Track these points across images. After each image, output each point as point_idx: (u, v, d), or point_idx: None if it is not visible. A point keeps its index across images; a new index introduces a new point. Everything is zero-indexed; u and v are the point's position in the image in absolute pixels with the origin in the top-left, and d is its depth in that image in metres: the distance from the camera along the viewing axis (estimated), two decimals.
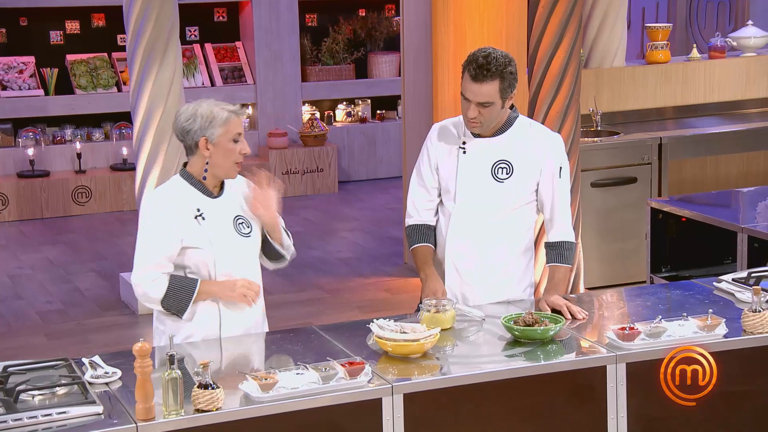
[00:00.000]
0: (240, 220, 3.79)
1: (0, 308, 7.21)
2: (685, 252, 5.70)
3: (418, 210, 4.14)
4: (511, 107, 4.06)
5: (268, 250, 3.91)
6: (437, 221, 4.14)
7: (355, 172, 10.72)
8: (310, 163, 10.22)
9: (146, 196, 3.81)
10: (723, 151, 7.56)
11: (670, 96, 7.89)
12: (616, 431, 3.55)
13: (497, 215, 4.03)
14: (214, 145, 3.67)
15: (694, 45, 8.41)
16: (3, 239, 8.95)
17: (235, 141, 3.70)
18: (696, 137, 7.35)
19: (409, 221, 4.16)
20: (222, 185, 3.80)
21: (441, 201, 4.12)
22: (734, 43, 8.24)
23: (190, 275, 3.73)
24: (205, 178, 3.73)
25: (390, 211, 9.39)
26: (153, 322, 3.93)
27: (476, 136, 4.04)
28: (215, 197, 3.76)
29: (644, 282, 6.16)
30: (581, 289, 6.62)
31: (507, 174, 4.01)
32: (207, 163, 3.70)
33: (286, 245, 3.93)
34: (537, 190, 4.05)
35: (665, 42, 7.93)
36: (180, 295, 3.68)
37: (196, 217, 3.69)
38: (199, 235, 3.69)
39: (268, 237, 3.88)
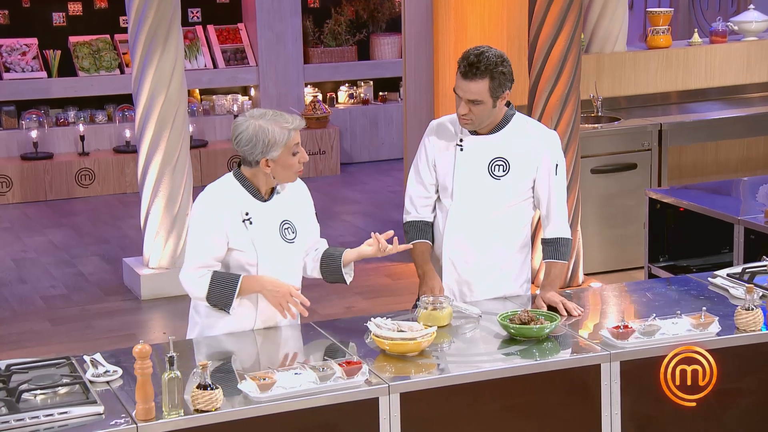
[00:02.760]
0: (286, 225, 3.83)
1: (4, 293, 7.27)
2: (684, 241, 5.74)
3: (415, 206, 4.18)
4: (508, 105, 4.08)
5: (331, 272, 3.99)
6: (435, 218, 4.18)
7: (357, 153, 10.75)
8: (312, 146, 10.24)
9: (200, 195, 3.84)
10: (723, 137, 7.58)
11: (671, 81, 7.90)
12: (610, 429, 3.61)
13: (494, 212, 4.07)
14: (275, 162, 3.72)
15: (696, 29, 8.41)
16: (7, 222, 9.01)
17: (295, 153, 3.75)
18: (696, 123, 7.36)
19: (407, 218, 4.20)
20: (273, 188, 3.84)
21: (439, 197, 4.16)
22: (735, 28, 8.23)
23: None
24: (274, 179, 3.78)
25: (391, 194, 9.43)
26: (190, 311, 3.97)
27: (473, 133, 4.08)
28: (265, 201, 3.80)
29: (642, 267, 6.19)
30: (581, 275, 6.67)
31: (504, 171, 4.04)
32: (273, 178, 3.77)
33: (350, 270, 4.04)
34: (533, 187, 4.09)
35: (666, 27, 7.93)
36: (223, 290, 3.73)
37: (243, 221, 3.74)
38: (245, 239, 3.74)
39: (342, 262, 3.97)
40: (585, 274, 6.77)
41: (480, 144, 4.06)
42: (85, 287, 7.34)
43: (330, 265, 3.98)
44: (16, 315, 6.86)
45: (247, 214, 3.75)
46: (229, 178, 3.81)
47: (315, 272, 4.03)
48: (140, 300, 7.01)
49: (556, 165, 4.06)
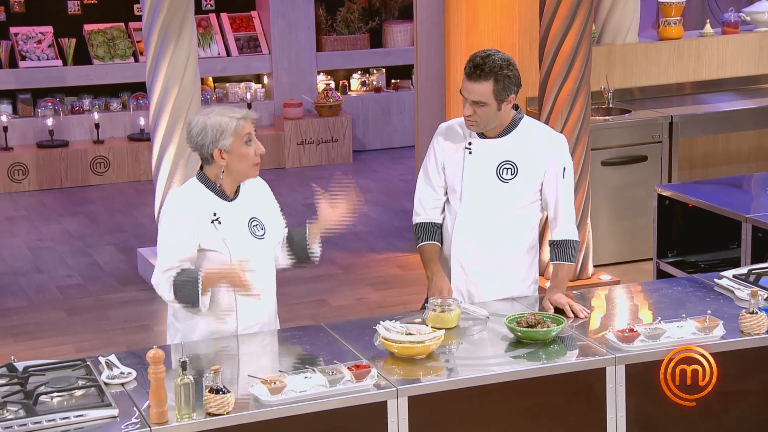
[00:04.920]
0: (254, 223, 3.90)
1: (21, 282, 7.37)
2: (692, 237, 5.78)
3: (425, 208, 4.24)
4: (516, 108, 4.13)
5: (296, 249, 4.02)
6: (444, 219, 4.23)
7: (370, 141, 10.80)
8: (324, 134, 10.30)
9: (166, 200, 3.91)
10: (734, 129, 7.60)
11: (683, 72, 7.91)
12: (615, 431, 3.66)
13: (502, 215, 4.12)
14: (229, 153, 3.77)
15: (708, 20, 8.41)
16: (23, 209, 9.10)
17: (248, 143, 3.80)
18: (707, 115, 7.38)
19: (416, 219, 4.26)
20: (238, 187, 3.90)
21: (447, 199, 4.22)
22: (748, 18, 8.23)
23: None
24: (220, 185, 3.83)
25: (403, 183, 9.47)
26: (168, 318, 4.04)
27: (481, 136, 4.13)
28: (231, 200, 3.87)
29: (651, 259, 6.20)
30: (590, 267, 6.72)
31: (512, 175, 4.10)
32: (223, 172, 3.81)
33: (315, 250, 4.05)
34: (541, 190, 4.14)
35: (678, 18, 7.93)
36: (187, 288, 3.77)
37: (212, 222, 3.80)
38: (216, 239, 3.81)
39: (308, 238, 3.99)
40: (595, 266, 6.82)
41: (488, 147, 4.11)
42: (101, 277, 7.43)
43: (295, 243, 4.02)
44: (32, 304, 6.96)
45: (215, 214, 3.81)
46: (193, 181, 3.87)
47: (285, 260, 4.07)
48: (154, 290, 7.07)
49: (564, 168, 4.11)
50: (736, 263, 5.35)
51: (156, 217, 7.23)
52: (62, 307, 6.90)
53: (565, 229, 4.15)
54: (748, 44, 8.05)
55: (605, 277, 6.71)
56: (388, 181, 9.69)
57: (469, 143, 4.13)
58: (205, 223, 3.80)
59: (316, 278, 7.17)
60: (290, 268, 4.11)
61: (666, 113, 7.26)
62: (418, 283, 6.89)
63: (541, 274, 6.17)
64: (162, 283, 3.83)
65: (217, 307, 3.87)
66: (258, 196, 3.97)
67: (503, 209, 4.12)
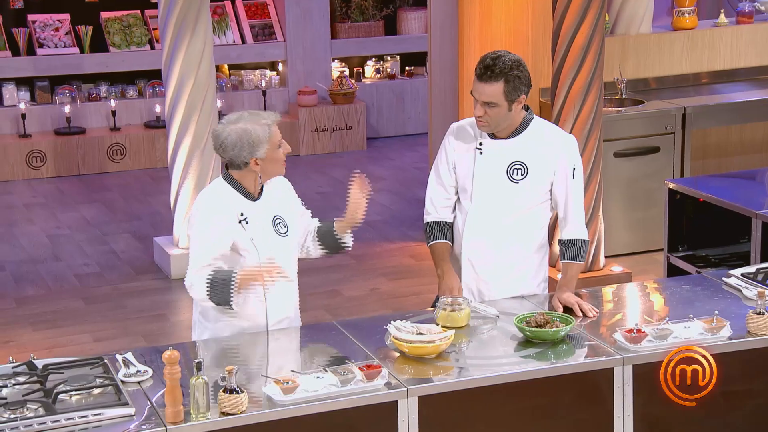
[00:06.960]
0: (278, 221, 3.99)
1: (40, 270, 7.46)
2: (703, 231, 5.81)
3: (436, 207, 4.30)
4: (527, 109, 4.17)
5: (328, 242, 4.11)
6: (454, 218, 4.29)
7: (384, 128, 10.83)
8: (339, 121, 10.34)
9: (196, 201, 3.98)
10: (748, 120, 7.60)
11: (697, 62, 7.91)
12: (623, 430, 3.73)
13: (512, 215, 4.18)
14: (264, 160, 3.87)
15: (722, 10, 8.40)
16: (42, 197, 9.20)
17: (280, 147, 3.90)
18: (720, 106, 7.39)
19: (427, 218, 4.32)
20: (262, 187, 3.98)
21: (458, 199, 4.27)
22: (762, 8, 8.22)
23: None
24: (258, 182, 3.93)
25: (417, 171, 9.52)
26: (194, 316, 4.10)
27: (492, 137, 4.17)
28: (256, 200, 3.95)
29: (662, 250, 6.22)
30: (602, 258, 6.76)
31: (522, 175, 4.15)
32: (260, 177, 3.91)
33: (348, 238, 4.14)
34: (551, 190, 4.19)
35: (692, 8, 7.93)
36: (221, 287, 3.83)
37: (240, 222, 3.89)
38: (244, 239, 3.89)
39: (337, 232, 4.08)
40: (606, 257, 6.86)
41: (499, 148, 4.16)
42: (117, 265, 7.51)
43: (327, 238, 4.12)
44: (51, 293, 7.05)
45: (242, 214, 3.90)
46: (219, 182, 3.96)
47: (317, 251, 4.17)
48: (170, 279, 7.17)
49: (573, 169, 4.16)
50: (746, 258, 5.39)
51: (171, 205, 7.30)
52: (80, 295, 6.99)
53: (574, 228, 4.21)
54: (762, 34, 8.04)
55: (617, 268, 6.75)
56: (402, 169, 9.73)
57: (480, 143, 4.18)
58: (234, 224, 3.89)
59: (329, 268, 7.23)
60: (324, 257, 4.19)
61: (679, 104, 7.28)
62: (430, 274, 6.90)
63: (552, 265, 6.22)
64: (196, 283, 3.87)
65: (248, 305, 3.93)
66: (280, 194, 4.06)
67: (513, 209, 4.17)
